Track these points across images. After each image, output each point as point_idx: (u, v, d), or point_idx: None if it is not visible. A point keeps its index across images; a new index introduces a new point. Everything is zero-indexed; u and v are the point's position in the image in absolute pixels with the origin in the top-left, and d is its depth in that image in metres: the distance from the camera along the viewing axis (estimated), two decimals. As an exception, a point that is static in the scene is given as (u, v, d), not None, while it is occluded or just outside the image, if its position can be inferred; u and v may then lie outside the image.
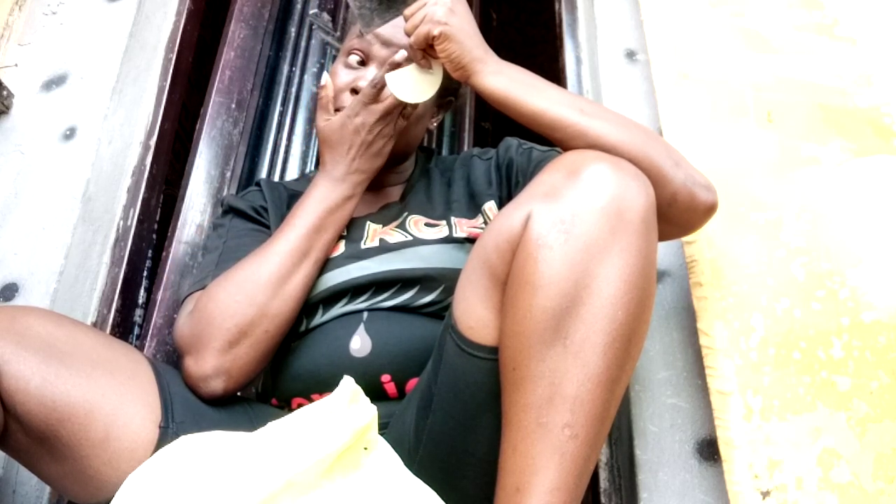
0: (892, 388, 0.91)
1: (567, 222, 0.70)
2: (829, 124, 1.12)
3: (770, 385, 0.92)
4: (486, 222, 1.02)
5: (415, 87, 0.97)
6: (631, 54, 1.28)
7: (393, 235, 1.00)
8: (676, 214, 0.85)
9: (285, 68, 1.61)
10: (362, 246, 0.99)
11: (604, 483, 1.00)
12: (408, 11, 0.93)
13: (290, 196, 1.11)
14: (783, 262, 1.01)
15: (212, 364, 0.87)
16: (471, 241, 0.98)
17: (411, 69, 0.97)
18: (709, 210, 0.88)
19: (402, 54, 0.95)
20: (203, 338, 0.87)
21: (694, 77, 1.17)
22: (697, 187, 0.86)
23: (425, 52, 0.94)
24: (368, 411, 0.67)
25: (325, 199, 0.97)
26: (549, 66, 1.38)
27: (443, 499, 0.72)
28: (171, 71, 1.33)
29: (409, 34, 0.92)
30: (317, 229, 0.95)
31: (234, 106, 1.43)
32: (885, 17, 1.23)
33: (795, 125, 1.12)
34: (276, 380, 0.97)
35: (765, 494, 0.86)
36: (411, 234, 0.99)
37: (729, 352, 0.94)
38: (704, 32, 1.22)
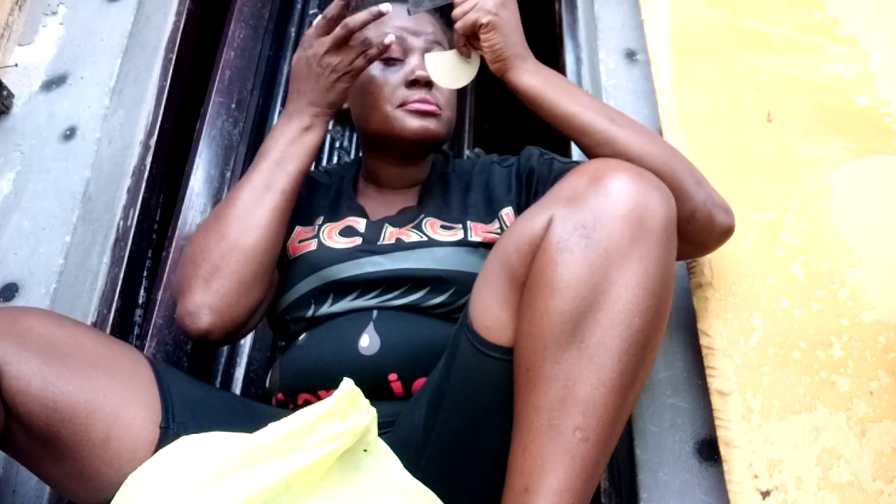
0: (891, 388, 0.91)
1: (588, 227, 0.71)
2: (829, 124, 1.12)
3: (770, 385, 0.92)
4: (501, 228, 1.02)
5: (451, 72, 0.99)
6: (631, 54, 1.28)
7: (410, 236, 1.00)
8: (693, 233, 0.87)
9: (285, 68, 1.61)
10: (378, 242, 1.00)
11: (604, 483, 1.00)
12: None
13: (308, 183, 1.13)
14: (783, 261, 1.01)
15: (193, 300, 0.89)
16: (485, 245, 0.98)
17: (452, 54, 0.99)
18: (725, 233, 0.90)
19: None
20: (184, 279, 0.92)
21: (694, 77, 1.17)
22: (716, 209, 0.88)
23: (468, 40, 0.96)
24: (367, 413, 0.67)
25: (284, 132, 0.99)
26: (549, 66, 1.38)
27: (449, 497, 0.72)
28: (171, 71, 1.33)
29: (457, 19, 0.94)
30: (277, 162, 0.97)
31: (234, 106, 1.43)
32: (885, 17, 1.23)
33: (795, 125, 1.12)
34: (283, 374, 0.98)
35: (765, 494, 0.86)
36: (426, 235, 1.00)
37: (729, 352, 0.94)
38: (704, 32, 1.22)
